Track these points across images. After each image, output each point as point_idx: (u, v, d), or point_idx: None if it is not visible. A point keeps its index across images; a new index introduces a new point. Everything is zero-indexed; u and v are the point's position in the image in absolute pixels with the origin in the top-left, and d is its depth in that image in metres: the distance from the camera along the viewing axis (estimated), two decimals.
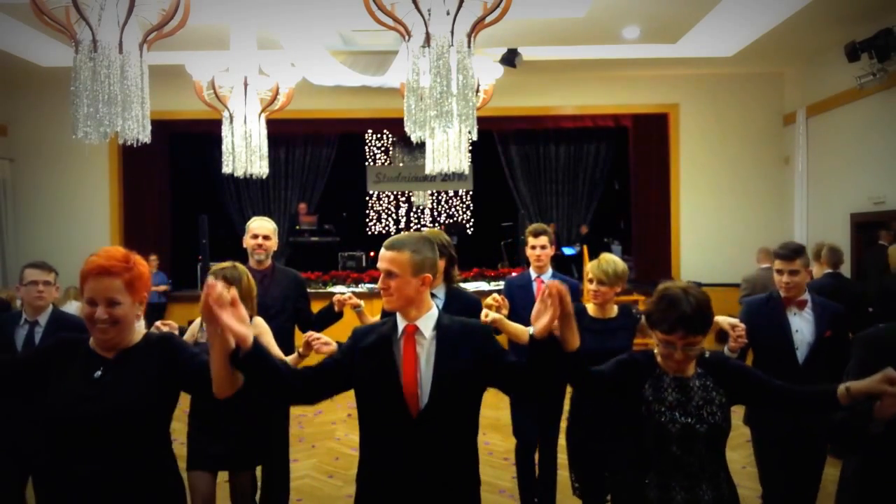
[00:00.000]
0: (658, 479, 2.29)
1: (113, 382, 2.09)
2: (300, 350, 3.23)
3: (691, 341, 2.26)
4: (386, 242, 2.36)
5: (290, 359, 3.36)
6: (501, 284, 10.43)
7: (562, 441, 4.12)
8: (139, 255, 2.21)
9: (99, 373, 2.11)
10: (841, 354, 3.39)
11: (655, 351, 2.40)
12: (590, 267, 3.47)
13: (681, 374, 2.34)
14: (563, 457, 4.13)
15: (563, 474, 4.20)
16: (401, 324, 2.33)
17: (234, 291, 1.95)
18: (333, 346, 3.10)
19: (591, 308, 3.48)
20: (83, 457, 2.05)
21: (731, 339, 3.17)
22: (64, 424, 2.07)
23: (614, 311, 3.48)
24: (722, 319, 3.19)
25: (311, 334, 3.13)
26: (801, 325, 3.43)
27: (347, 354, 2.35)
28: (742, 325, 3.18)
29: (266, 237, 4.08)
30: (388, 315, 3.42)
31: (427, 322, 2.31)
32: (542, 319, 2.08)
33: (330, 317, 4.13)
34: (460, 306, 3.32)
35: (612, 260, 3.46)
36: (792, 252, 3.41)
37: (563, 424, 4.09)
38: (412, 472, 2.24)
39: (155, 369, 2.13)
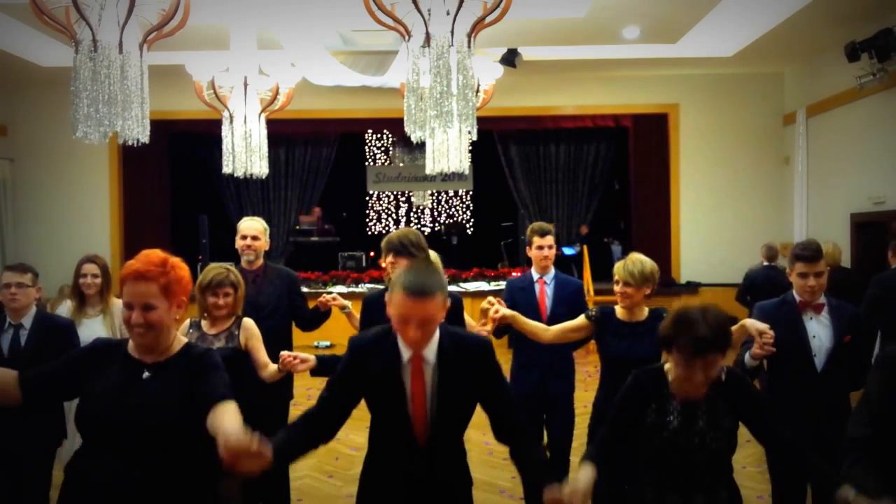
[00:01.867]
0: (653, 483, 2.29)
1: (154, 389, 2.09)
2: (280, 366, 3.22)
3: (711, 362, 2.16)
4: (410, 287, 2.10)
5: (270, 371, 3.35)
6: (502, 284, 10.53)
7: (575, 444, 4.08)
8: (178, 259, 2.19)
9: (147, 374, 2.11)
10: (860, 360, 3.20)
11: (666, 367, 2.33)
12: (616, 268, 3.29)
13: (693, 398, 2.26)
14: (574, 460, 4.10)
15: (574, 477, 4.16)
16: (406, 350, 2.22)
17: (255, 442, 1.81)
18: (311, 362, 3.10)
19: (619, 311, 3.29)
20: (114, 458, 2.04)
21: (755, 346, 2.98)
22: (103, 426, 2.06)
23: (644, 313, 3.27)
24: (750, 323, 3.02)
25: (286, 354, 3.12)
26: (819, 330, 3.21)
27: (350, 377, 2.28)
28: (771, 333, 2.94)
29: (255, 237, 4.06)
30: (367, 315, 3.39)
31: (432, 348, 2.23)
32: None
33: (319, 316, 4.14)
34: None
35: (639, 260, 3.26)
36: (816, 252, 3.19)
37: (575, 431, 4.04)
38: (416, 485, 2.28)
39: (189, 384, 2.10)
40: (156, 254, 2.15)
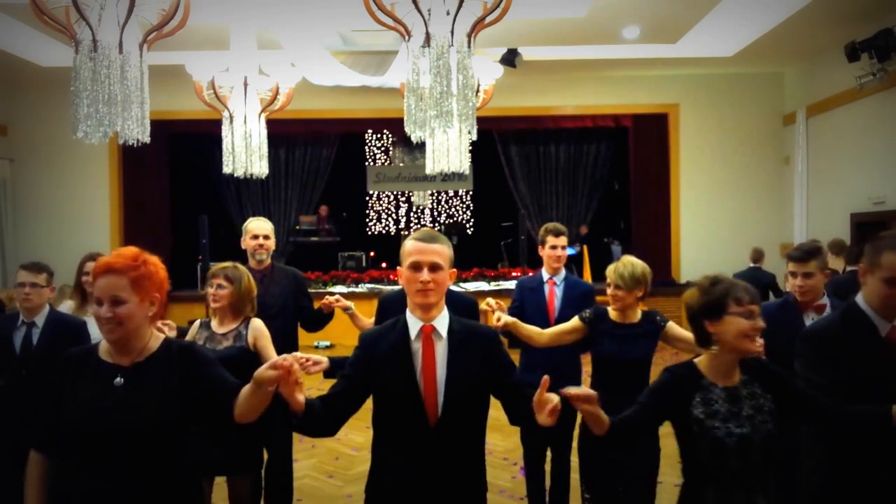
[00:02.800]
0: (715, 495, 2.19)
1: (133, 394, 2.02)
2: None
3: (760, 310, 2.23)
4: (421, 236, 2.29)
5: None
6: (501, 284, 10.54)
7: (576, 445, 4.07)
8: (154, 257, 2.18)
9: (119, 380, 2.04)
10: None
11: (696, 360, 2.31)
12: (608, 270, 3.31)
13: (732, 382, 2.24)
14: (575, 460, 4.10)
15: (576, 477, 4.16)
16: (415, 325, 2.27)
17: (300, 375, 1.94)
18: (325, 363, 3.07)
19: (612, 313, 3.30)
20: (101, 471, 1.99)
21: None
22: (83, 438, 2.00)
23: (637, 316, 3.28)
24: None
25: (298, 356, 3.09)
26: None
27: (360, 367, 2.28)
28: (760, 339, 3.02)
29: (266, 237, 4.10)
30: (383, 315, 3.40)
31: (442, 322, 2.28)
32: (542, 416, 2.12)
33: (322, 318, 4.15)
34: (456, 309, 3.28)
35: (630, 263, 3.27)
36: (805, 254, 3.18)
37: (575, 432, 4.03)
38: (426, 481, 2.21)
39: (177, 382, 2.06)
40: (129, 249, 2.13)
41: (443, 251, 2.26)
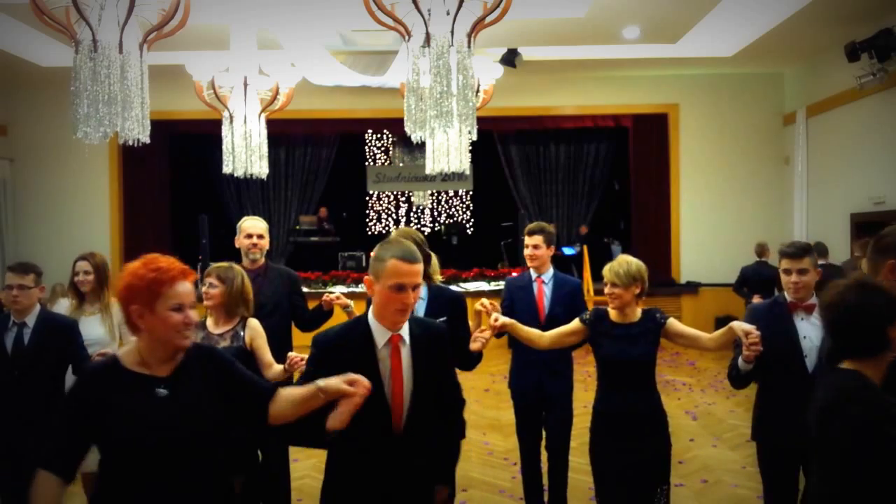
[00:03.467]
0: None
1: (181, 402, 2.01)
2: (286, 366, 3.21)
3: None
4: (402, 255, 2.19)
5: (275, 371, 3.35)
6: (502, 284, 10.53)
7: (574, 444, 4.08)
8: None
9: (162, 391, 2.01)
10: None
11: (857, 369, 2.09)
12: (604, 270, 3.30)
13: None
14: (574, 460, 4.10)
15: (574, 477, 4.16)
16: (382, 334, 2.23)
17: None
18: None
19: (612, 313, 3.30)
20: (159, 481, 1.98)
21: (744, 348, 2.94)
22: (140, 453, 1.97)
23: (637, 314, 3.26)
24: (737, 325, 3.00)
25: (294, 356, 3.11)
26: (810, 331, 3.15)
27: (320, 374, 2.13)
28: (757, 332, 2.91)
29: (260, 236, 4.10)
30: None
31: (406, 328, 2.27)
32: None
33: (321, 315, 4.15)
34: (443, 302, 3.30)
35: (625, 261, 3.26)
36: (800, 250, 3.19)
37: (574, 431, 4.03)
38: (391, 486, 2.20)
39: (212, 387, 2.07)
40: (164, 256, 2.13)
41: (422, 268, 2.26)
